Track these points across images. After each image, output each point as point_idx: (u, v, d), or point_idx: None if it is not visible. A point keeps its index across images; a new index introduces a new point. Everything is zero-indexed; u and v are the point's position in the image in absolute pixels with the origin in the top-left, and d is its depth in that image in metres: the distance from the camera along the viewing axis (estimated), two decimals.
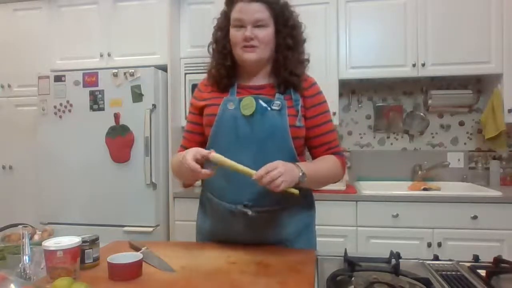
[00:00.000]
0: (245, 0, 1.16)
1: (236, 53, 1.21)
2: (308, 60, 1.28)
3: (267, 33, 1.18)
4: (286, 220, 1.22)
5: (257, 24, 1.16)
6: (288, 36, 1.21)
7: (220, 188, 1.24)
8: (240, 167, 1.06)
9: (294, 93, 1.23)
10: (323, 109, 1.27)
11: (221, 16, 1.26)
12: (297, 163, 1.14)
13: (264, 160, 1.11)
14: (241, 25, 1.18)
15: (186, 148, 1.26)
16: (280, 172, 1.03)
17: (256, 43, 1.17)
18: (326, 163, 1.24)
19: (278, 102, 1.19)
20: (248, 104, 1.18)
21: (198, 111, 1.29)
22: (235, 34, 1.19)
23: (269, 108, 1.18)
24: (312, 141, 1.27)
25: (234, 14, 1.18)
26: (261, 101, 1.19)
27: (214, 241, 1.30)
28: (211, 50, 1.29)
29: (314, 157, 1.30)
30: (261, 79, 1.26)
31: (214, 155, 1.05)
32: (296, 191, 1.08)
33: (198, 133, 1.30)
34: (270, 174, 1.02)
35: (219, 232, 1.28)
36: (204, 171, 1.07)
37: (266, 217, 1.20)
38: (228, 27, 1.21)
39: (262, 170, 1.03)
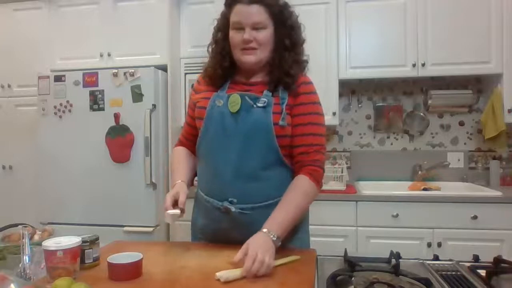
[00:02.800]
0: (243, 3, 1.17)
1: (235, 54, 1.23)
2: (306, 62, 1.28)
3: (265, 35, 1.19)
4: None
5: (256, 27, 1.18)
6: (285, 36, 1.22)
7: (208, 185, 1.28)
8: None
9: (282, 92, 1.22)
10: (310, 110, 1.23)
11: (221, 17, 1.27)
12: (268, 227, 1.08)
13: (248, 155, 1.19)
14: (240, 28, 1.19)
15: (185, 138, 1.40)
16: (263, 257, 0.98)
17: (255, 45, 1.19)
18: (300, 199, 1.18)
19: (264, 99, 1.19)
20: (235, 101, 1.21)
21: (194, 104, 1.32)
22: (234, 36, 1.20)
23: (254, 105, 1.19)
24: (293, 139, 1.23)
25: (233, 17, 1.20)
26: (247, 98, 1.20)
27: (205, 238, 1.32)
28: (210, 50, 1.30)
29: (293, 156, 1.24)
30: (256, 77, 1.27)
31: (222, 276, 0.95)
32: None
33: (194, 126, 1.34)
34: (253, 271, 0.97)
35: (209, 229, 1.30)
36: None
37: (252, 214, 1.20)
38: (228, 29, 1.23)
39: (248, 263, 0.97)
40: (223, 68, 1.26)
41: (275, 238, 1.07)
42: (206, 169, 1.28)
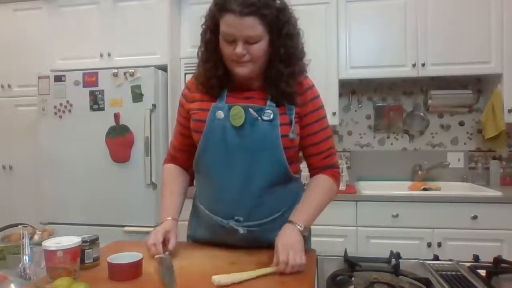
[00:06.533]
0: (236, 13, 1.01)
1: (227, 64, 1.12)
2: (305, 71, 1.18)
3: (259, 48, 1.07)
4: (279, 229, 1.17)
5: (249, 41, 1.05)
6: (282, 46, 1.09)
7: (211, 202, 1.21)
8: (254, 274, 0.98)
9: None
10: (320, 116, 1.20)
11: (208, 16, 1.12)
12: (295, 218, 1.11)
13: (254, 173, 1.12)
14: (231, 40, 1.06)
15: (178, 150, 1.30)
16: (295, 260, 1.00)
17: (247, 58, 1.07)
18: (322, 194, 1.20)
19: (269, 111, 1.12)
20: (237, 114, 1.11)
21: (187, 113, 1.22)
22: (225, 48, 1.08)
23: (259, 118, 1.11)
24: (308, 149, 1.22)
25: (224, 27, 1.05)
26: (251, 111, 1.12)
27: None
28: (200, 54, 1.17)
29: (309, 164, 1.26)
30: (252, 85, 1.18)
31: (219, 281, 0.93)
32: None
33: (188, 136, 1.24)
34: (289, 268, 1.00)
35: (211, 243, 1.24)
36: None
37: (259, 230, 1.17)
38: (217, 30, 1.09)
39: (281, 267, 1.00)
40: (217, 77, 1.14)
41: (302, 228, 1.09)
42: (208, 186, 1.21)
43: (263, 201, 1.15)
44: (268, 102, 1.14)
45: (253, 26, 1.03)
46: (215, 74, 1.14)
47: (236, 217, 1.15)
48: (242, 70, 1.10)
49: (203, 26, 1.14)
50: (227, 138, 1.12)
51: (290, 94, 1.14)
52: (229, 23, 1.04)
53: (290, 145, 1.15)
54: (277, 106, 1.14)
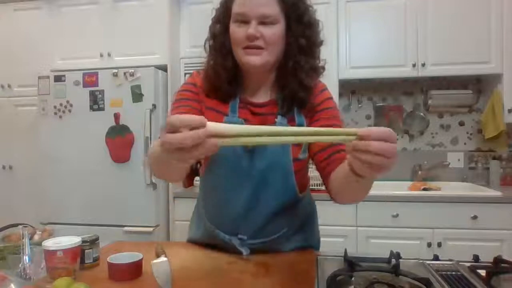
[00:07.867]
0: None
1: (236, 54, 1.00)
2: (323, 68, 1.07)
3: (275, 32, 0.97)
4: (284, 244, 1.15)
5: (264, 20, 0.95)
6: (301, 36, 1.00)
7: (215, 214, 1.15)
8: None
9: (298, 115, 1.05)
10: (334, 113, 1.08)
11: (220, 6, 1.04)
12: None
13: (263, 195, 1.06)
14: (243, 21, 0.96)
15: None
16: (394, 150, 0.71)
17: (261, 43, 0.96)
18: None
19: None
20: None
21: (195, 96, 1.07)
22: (236, 30, 0.97)
23: None
24: (323, 145, 1.02)
25: (236, 8, 0.97)
26: None
27: None
28: (207, 46, 1.07)
29: (323, 166, 1.04)
30: (263, 93, 1.08)
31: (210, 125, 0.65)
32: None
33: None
34: (385, 148, 0.70)
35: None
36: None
37: (263, 246, 1.12)
38: (228, 21, 1.00)
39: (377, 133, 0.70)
40: (227, 70, 1.03)
41: None
42: (213, 199, 1.15)
43: (270, 221, 1.09)
44: (279, 119, 1.03)
45: (269, 4, 0.95)
46: (224, 66, 1.03)
47: (239, 236, 1.10)
48: (253, 60, 0.97)
49: (213, 18, 1.06)
50: (238, 158, 1.04)
51: (307, 89, 1.01)
52: (242, 2, 0.96)
53: (300, 168, 1.08)
54: (287, 121, 1.04)
